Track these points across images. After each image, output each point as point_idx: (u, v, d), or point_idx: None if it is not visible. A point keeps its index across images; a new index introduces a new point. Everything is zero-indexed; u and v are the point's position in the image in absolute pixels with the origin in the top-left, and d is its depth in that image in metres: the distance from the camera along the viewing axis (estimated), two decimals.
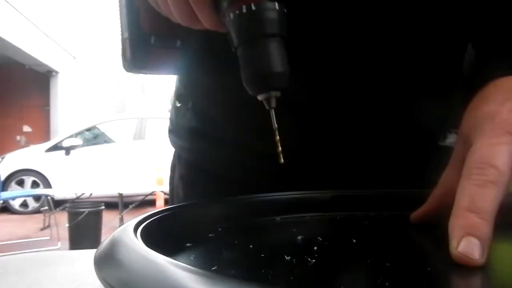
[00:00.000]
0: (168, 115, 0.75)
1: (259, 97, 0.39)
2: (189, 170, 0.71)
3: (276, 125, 0.40)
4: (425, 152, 0.61)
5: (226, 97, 0.58)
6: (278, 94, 0.38)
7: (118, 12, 0.48)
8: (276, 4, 0.37)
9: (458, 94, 0.57)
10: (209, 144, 0.65)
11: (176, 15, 0.42)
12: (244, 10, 0.37)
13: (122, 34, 0.48)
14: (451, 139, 0.58)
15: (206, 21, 0.41)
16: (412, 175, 0.61)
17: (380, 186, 0.54)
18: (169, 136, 0.74)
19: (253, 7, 0.37)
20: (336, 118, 0.54)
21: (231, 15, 0.37)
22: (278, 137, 0.40)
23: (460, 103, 0.61)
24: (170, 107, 0.75)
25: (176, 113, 0.70)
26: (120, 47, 0.48)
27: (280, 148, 0.40)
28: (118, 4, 0.48)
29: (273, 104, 0.39)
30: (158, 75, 0.54)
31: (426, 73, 0.54)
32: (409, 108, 0.54)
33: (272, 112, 0.39)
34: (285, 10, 0.38)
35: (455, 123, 0.58)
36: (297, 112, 0.52)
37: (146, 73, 0.50)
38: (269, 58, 0.37)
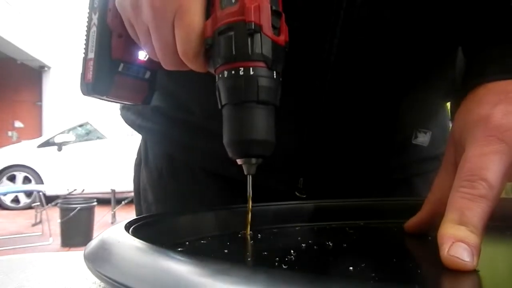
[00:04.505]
0: None
1: (238, 161, 0.38)
2: (158, 169, 0.66)
3: (251, 193, 0.39)
4: (399, 149, 0.61)
5: (191, 76, 0.56)
6: (259, 161, 0.38)
7: (86, 27, 0.44)
8: (274, 73, 0.36)
9: (429, 95, 0.57)
10: (176, 126, 0.61)
11: (161, 60, 0.40)
12: (241, 73, 0.35)
13: (86, 53, 0.44)
14: (420, 138, 0.58)
15: (195, 69, 0.39)
16: (386, 170, 0.61)
17: (360, 185, 0.54)
18: (123, 113, 0.68)
19: (251, 72, 0.35)
20: (327, 119, 0.54)
21: (226, 73, 0.36)
22: (251, 205, 0.39)
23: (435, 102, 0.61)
24: None
25: None
26: (81, 67, 0.45)
27: (249, 219, 0.39)
28: (87, 18, 0.44)
29: (252, 171, 0.38)
30: (118, 103, 0.50)
31: (414, 78, 0.54)
32: (395, 109, 0.55)
33: (249, 178, 0.38)
34: (281, 79, 0.37)
35: (423, 122, 0.59)
36: (293, 111, 0.52)
37: (105, 100, 0.46)
38: (255, 126, 0.36)
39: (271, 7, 0.36)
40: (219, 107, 0.38)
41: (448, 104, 0.62)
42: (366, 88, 0.53)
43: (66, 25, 11.83)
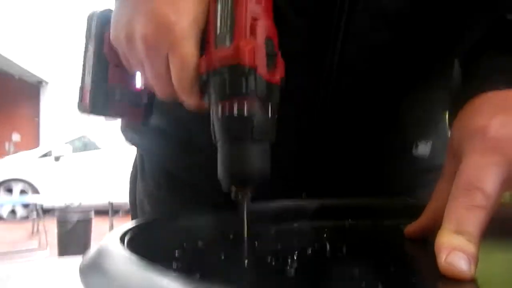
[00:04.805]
0: None
1: (232, 195, 0.38)
2: (156, 183, 0.67)
3: (245, 220, 0.39)
4: (400, 159, 0.61)
5: None
6: (252, 190, 0.38)
7: (83, 54, 0.45)
8: (270, 111, 0.37)
9: (429, 94, 0.57)
10: (176, 147, 0.62)
11: (156, 91, 0.41)
12: (236, 111, 0.36)
13: (82, 79, 0.45)
14: (421, 149, 0.58)
15: (189, 104, 0.40)
16: (387, 181, 0.61)
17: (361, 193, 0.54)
18: (125, 134, 0.68)
19: (246, 110, 0.36)
20: (328, 130, 0.54)
21: (220, 111, 0.36)
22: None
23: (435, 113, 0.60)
24: None
25: None
26: (78, 90, 0.45)
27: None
28: (84, 47, 0.45)
29: (246, 198, 0.39)
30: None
31: (415, 81, 0.54)
32: (395, 120, 0.55)
33: (245, 205, 0.39)
34: (276, 117, 0.37)
35: (423, 134, 0.59)
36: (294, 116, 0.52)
37: (104, 119, 0.47)
38: (249, 160, 0.36)
39: (266, 47, 0.36)
40: (213, 142, 0.38)
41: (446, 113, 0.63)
42: (367, 95, 0.53)
43: (64, 40, 11.84)
